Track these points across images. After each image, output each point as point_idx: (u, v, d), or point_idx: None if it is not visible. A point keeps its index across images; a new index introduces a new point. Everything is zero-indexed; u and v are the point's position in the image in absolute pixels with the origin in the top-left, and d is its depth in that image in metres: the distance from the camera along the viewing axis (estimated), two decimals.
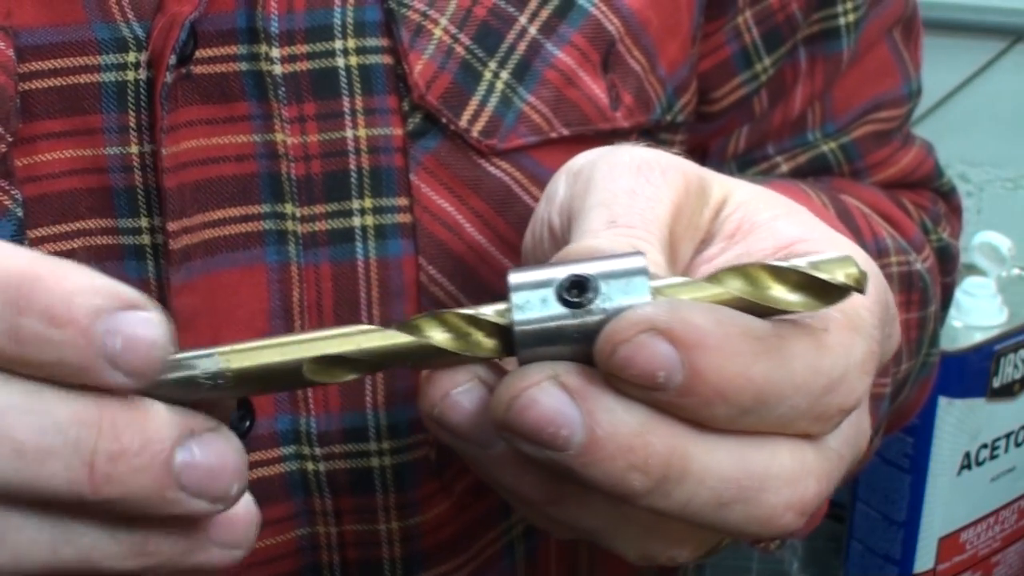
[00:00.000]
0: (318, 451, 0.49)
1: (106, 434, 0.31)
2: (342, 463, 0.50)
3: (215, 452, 0.32)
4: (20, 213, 0.44)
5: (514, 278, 0.33)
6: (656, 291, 0.33)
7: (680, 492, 0.33)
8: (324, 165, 0.48)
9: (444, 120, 0.49)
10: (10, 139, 0.44)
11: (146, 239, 0.46)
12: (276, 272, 0.48)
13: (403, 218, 0.49)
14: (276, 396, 0.49)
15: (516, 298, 0.33)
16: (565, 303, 0.33)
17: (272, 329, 0.48)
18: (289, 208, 0.48)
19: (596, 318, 0.33)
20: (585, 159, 0.42)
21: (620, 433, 0.32)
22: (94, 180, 0.46)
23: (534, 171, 0.51)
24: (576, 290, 0.33)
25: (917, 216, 0.67)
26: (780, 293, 0.33)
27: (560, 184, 0.42)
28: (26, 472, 0.30)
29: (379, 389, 0.49)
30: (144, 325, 0.31)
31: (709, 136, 0.63)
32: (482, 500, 0.53)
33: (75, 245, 0.46)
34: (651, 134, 0.57)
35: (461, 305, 0.50)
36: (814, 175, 0.65)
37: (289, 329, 0.48)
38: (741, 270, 0.33)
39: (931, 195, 0.70)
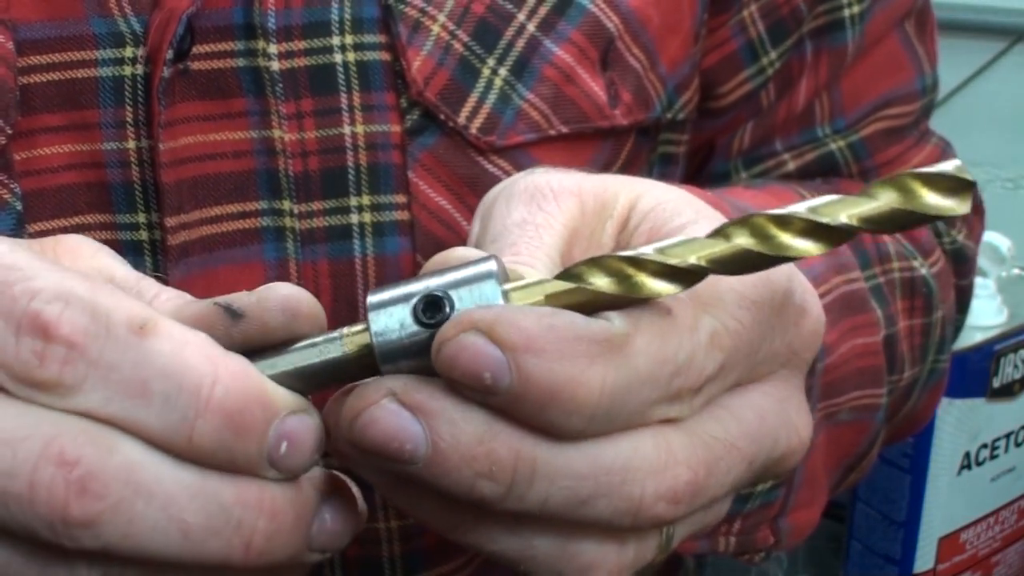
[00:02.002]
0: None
1: (266, 514, 0.32)
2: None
3: (342, 516, 0.34)
4: (19, 207, 0.44)
5: (372, 299, 0.34)
6: (507, 293, 0.34)
7: (533, 494, 0.33)
8: (322, 161, 0.48)
9: (442, 117, 0.49)
10: (9, 131, 0.44)
11: (144, 235, 0.46)
12: (274, 268, 0.48)
13: (401, 215, 0.49)
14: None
15: (374, 322, 0.34)
16: (421, 323, 0.34)
17: None
18: (287, 204, 0.48)
19: None
20: (493, 192, 0.42)
21: (462, 443, 0.33)
22: (92, 175, 0.46)
23: (531, 168, 0.51)
24: (431, 310, 0.34)
25: None
26: (646, 280, 0.33)
27: (476, 223, 0.43)
28: (188, 551, 0.32)
29: None
30: (307, 430, 0.33)
31: (715, 133, 0.63)
32: None
33: None
34: (651, 132, 0.56)
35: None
36: (822, 175, 0.64)
37: None
38: (596, 261, 0.34)
39: None
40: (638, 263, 0.33)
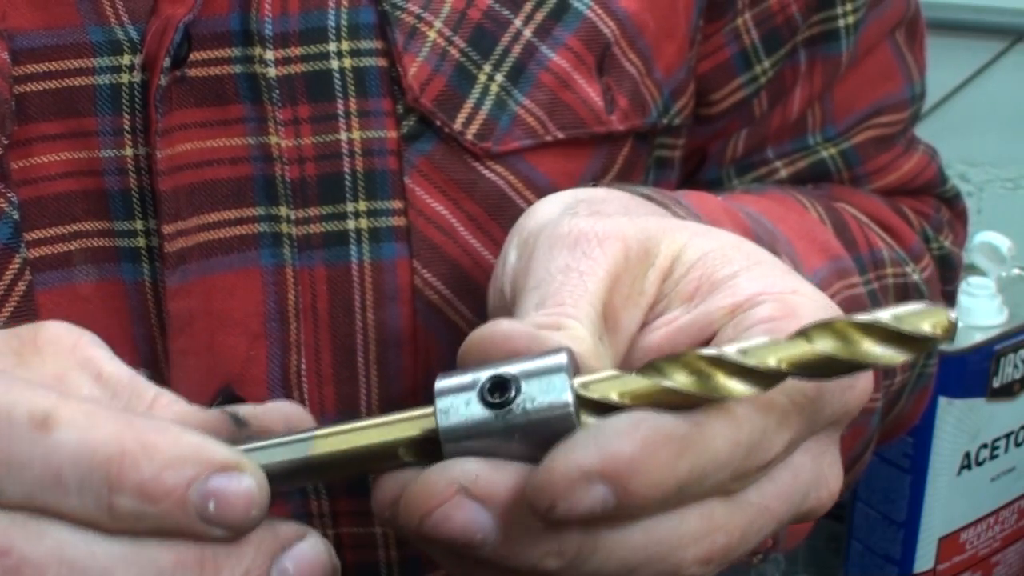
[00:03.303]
0: None
1: (208, 570, 0.32)
2: None
3: (307, 563, 0.33)
4: (16, 215, 0.44)
5: (440, 384, 0.35)
6: (578, 388, 0.34)
7: (591, 565, 0.34)
8: (318, 168, 0.48)
9: (438, 123, 0.49)
10: (6, 142, 0.44)
11: (141, 242, 0.46)
12: (271, 275, 0.48)
13: (397, 221, 0.49)
14: (272, 399, 0.48)
15: (441, 403, 0.34)
16: (488, 404, 0.34)
17: (268, 332, 0.48)
18: (283, 211, 0.48)
19: (518, 419, 0.34)
20: (533, 224, 0.42)
21: (533, 530, 0.33)
22: (89, 183, 0.46)
23: (529, 174, 0.51)
24: (498, 392, 0.34)
25: (918, 224, 0.67)
26: (725, 381, 0.34)
27: (511, 250, 0.42)
28: None
29: (374, 393, 0.49)
30: (236, 484, 0.32)
31: (708, 139, 0.63)
32: None
33: (71, 247, 0.46)
34: (647, 137, 0.56)
35: (455, 309, 0.50)
36: (813, 181, 0.64)
37: (284, 331, 0.48)
38: (676, 359, 0.34)
39: (934, 202, 0.69)
40: (719, 362, 0.33)
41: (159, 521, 0.32)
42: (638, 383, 0.34)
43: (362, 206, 0.49)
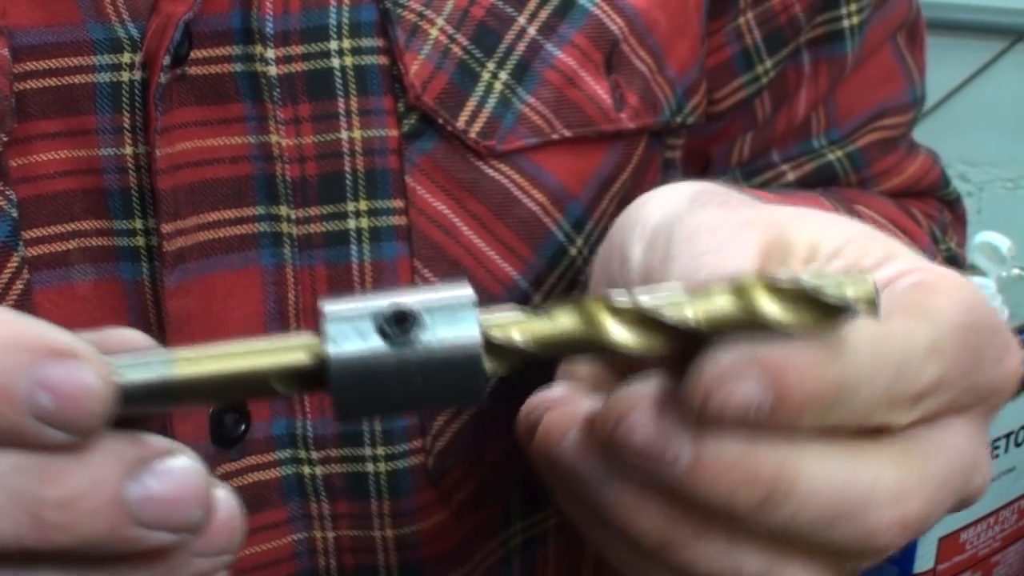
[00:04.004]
0: (314, 455, 0.49)
1: (49, 480, 0.28)
2: (338, 467, 0.49)
3: (172, 480, 0.29)
4: (15, 214, 0.44)
5: (329, 308, 0.31)
6: (488, 323, 0.31)
7: (786, 508, 0.33)
8: (319, 167, 0.48)
9: (440, 121, 0.49)
10: (5, 139, 0.44)
11: (140, 241, 0.46)
12: (271, 274, 0.48)
13: (398, 220, 0.49)
14: (272, 400, 0.48)
15: (331, 329, 0.31)
16: (385, 336, 0.31)
17: (268, 332, 0.48)
18: (284, 210, 0.47)
19: (419, 354, 0.31)
20: (658, 219, 0.41)
21: (729, 448, 0.32)
22: (89, 181, 0.45)
23: (534, 173, 0.51)
24: (398, 324, 0.31)
25: (927, 226, 0.66)
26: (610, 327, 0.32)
27: (633, 247, 0.41)
28: None
29: None
30: (74, 373, 0.28)
31: (709, 140, 0.62)
32: (481, 511, 0.53)
33: (70, 246, 0.46)
34: (661, 136, 0.56)
35: None
36: (821, 185, 0.64)
37: (284, 332, 0.48)
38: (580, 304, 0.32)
39: (937, 204, 0.69)
40: (613, 310, 0.32)
41: None
42: (545, 326, 0.32)
43: (363, 205, 0.48)
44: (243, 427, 0.48)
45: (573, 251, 0.52)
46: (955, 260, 0.68)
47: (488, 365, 0.31)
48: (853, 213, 0.59)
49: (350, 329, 0.30)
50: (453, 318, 0.31)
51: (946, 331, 0.35)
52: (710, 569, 0.35)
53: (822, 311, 0.32)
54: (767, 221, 0.39)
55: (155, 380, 0.30)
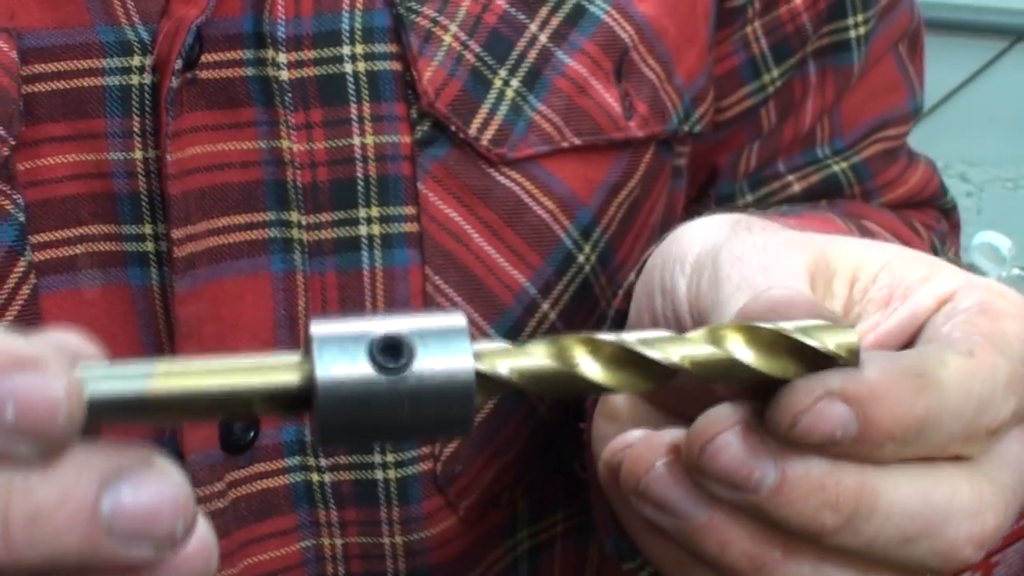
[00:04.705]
0: (323, 462, 0.49)
1: (17, 493, 0.27)
2: (346, 475, 0.49)
3: (150, 489, 0.28)
4: (22, 218, 0.44)
5: (318, 329, 0.30)
6: (478, 354, 0.31)
7: (868, 528, 0.34)
8: (330, 173, 0.47)
9: (453, 128, 0.48)
10: (13, 142, 0.43)
11: (150, 246, 0.46)
12: (281, 280, 0.47)
13: (410, 227, 0.48)
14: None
15: (320, 353, 0.29)
16: (377, 365, 0.29)
17: (277, 338, 0.47)
18: (295, 216, 0.47)
19: (410, 384, 0.30)
20: (701, 248, 0.41)
21: (812, 472, 0.33)
22: (97, 185, 0.45)
23: (545, 181, 0.50)
24: (391, 353, 0.30)
25: (928, 237, 0.67)
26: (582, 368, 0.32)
27: (676, 279, 0.41)
28: None
29: None
30: (39, 383, 0.27)
31: (714, 149, 0.62)
32: (488, 517, 0.53)
33: (77, 251, 0.45)
34: (670, 144, 0.56)
35: (467, 316, 0.49)
36: (827, 196, 0.64)
37: (294, 338, 0.48)
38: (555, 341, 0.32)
39: (935, 214, 0.69)
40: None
41: None
42: (529, 361, 0.31)
43: (374, 212, 0.48)
44: (252, 434, 0.47)
45: (581, 258, 0.52)
46: None
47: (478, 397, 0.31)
48: (863, 230, 0.59)
49: (340, 352, 0.29)
50: (446, 347, 0.30)
51: (1019, 363, 0.35)
52: None
53: (802, 360, 0.33)
54: (810, 244, 0.39)
55: (128, 393, 0.29)
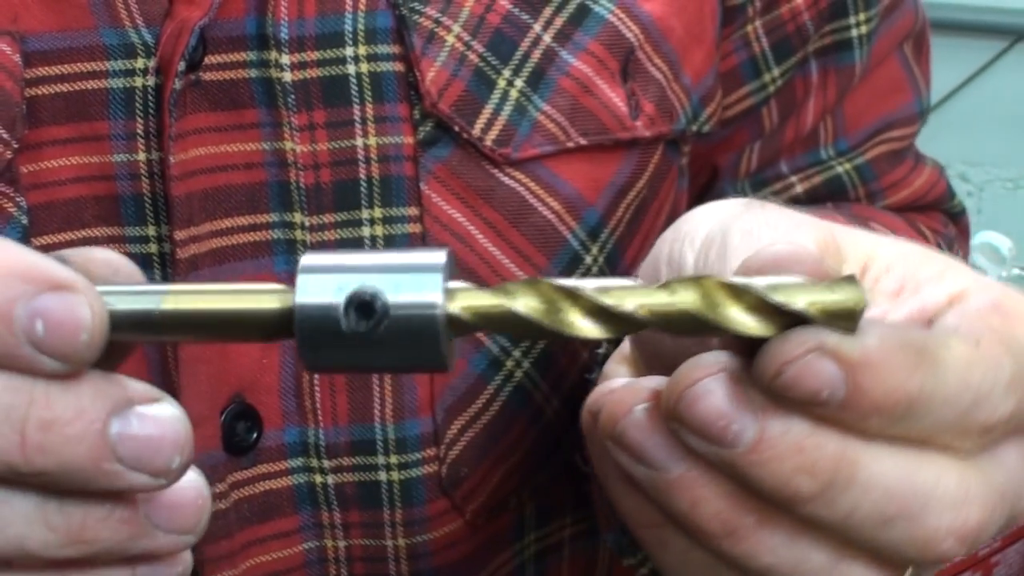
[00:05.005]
0: (326, 463, 0.48)
1: (38, 402, 0.29)
2: (350, 476, 0.49)
3: (155, 422, 0.30)
4: (25, 220, 0.44)
5: (307, 260, 0.33)
6: (449, 292, 0.32)
7: (845, 500, 0.33)
8: (334, 174, 0.47)
9: (456, 128, 0.48)
10: (16, 145, 0.43)
11: (153, 248, 0.46)
12: (284, 281, 0.47)
13: (413, 228, 0.48)
14: (284, 408, 0.48)
15: (304, 282, 0.32)
16: (350, 317, 0.32)
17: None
18: (298, 217, 0.47)
19: (382, 326, 0.32)
20: (709, 225, 0.40)
21: (792, 432, 0.32)
22: (101, 188, 0.45)
23: (549, 181, 0.50)
24: (363, 312, 0.31)
25: (933, 241, 0.66)
26: (574, 318, 0.32)
27: (685, 252, 0.40)
28: None
29: (387, 402, 0.49)
30: (67, 305, 0.29)
31: (714, 149, 0.62)
32: (494, 520, 0.52)
33: None
34: (678, 144, 0.56)
35: None
36: (830, 197, 0.64)
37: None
38: (532, 283, 0.32)
39: (942, 217, 0.69)
40: (574, 296, 0.32)
41: None
42: (487, 300, 0.32)
43: (377, 213, 0.48)
44: (255, 435, 0.47)
45: (588, 259, 0.52)
46: None
47: (448, 333, 0.32)
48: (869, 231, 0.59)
49: (321, 284, 0.32)
50: (419, 286, 0.32)
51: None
52: (774, 559, 0.34)
53: (776, 318, 0.32)
54: (823, 226, 0.38)
55: (143, 311, 0.32)
